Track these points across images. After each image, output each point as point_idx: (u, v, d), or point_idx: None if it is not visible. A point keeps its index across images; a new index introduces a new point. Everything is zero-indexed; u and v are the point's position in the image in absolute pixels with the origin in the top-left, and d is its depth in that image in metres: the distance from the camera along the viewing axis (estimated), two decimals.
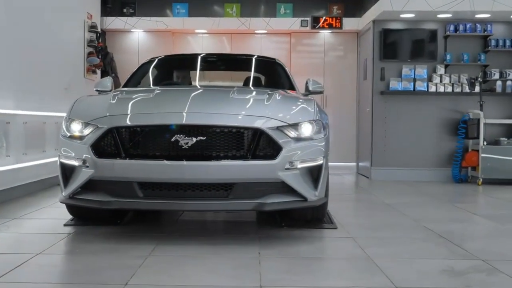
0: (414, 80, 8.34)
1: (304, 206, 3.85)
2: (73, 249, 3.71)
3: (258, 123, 3.69)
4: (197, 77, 5.62)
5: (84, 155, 3.76)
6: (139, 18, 9.67)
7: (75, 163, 3.83)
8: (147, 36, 9.85)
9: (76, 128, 3.89)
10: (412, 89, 8.34)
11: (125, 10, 9.96)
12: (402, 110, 8.42)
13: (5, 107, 5.71)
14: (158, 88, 4.72)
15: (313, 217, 4.42)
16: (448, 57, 8.38)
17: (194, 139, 3.61)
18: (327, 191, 4.16)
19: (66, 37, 7.68)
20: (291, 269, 3.20)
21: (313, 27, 9.57)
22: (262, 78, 5.80)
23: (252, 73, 5.55)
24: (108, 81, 5.04)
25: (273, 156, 3.66)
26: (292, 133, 3.75)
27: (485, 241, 4.09)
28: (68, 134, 3.94)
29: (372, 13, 8.49)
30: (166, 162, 3.62)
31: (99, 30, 8.74)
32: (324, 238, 4.06)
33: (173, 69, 5.97)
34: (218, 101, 4.06)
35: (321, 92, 5.40)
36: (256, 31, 9.80)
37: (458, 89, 8.32)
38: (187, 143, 3.61)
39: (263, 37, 9.93)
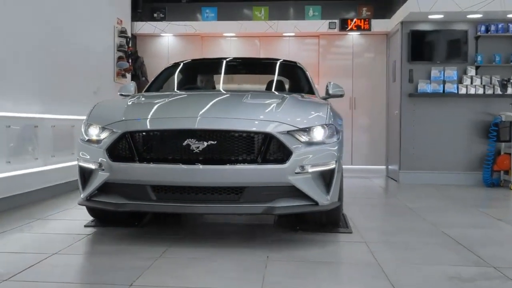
0: (444, 82, 8.21)
1: (316, 210, 3.86)
2: (88, 250, 3.80)
3: (269, 128, 3.72)
4: (218, 82, 5.72)
5: (100, 159, 3.87)
6: (169, 22, 9.83)
7: (92, 166, 3.95)
8: (177, 40, 9.99)
9: (94, 132, 4.01)
10: (441, 91, 8.20)
11: (155, 15, 10.14)
12: (431, 112, 8.30)
13: (32, 112, 5.89)
14: (175, 93, 4.84)
15: (328, 221, 4.39)
16: (479, 58, 8.22)
17: (205, 144, 3.67)
18: (341, 195, 4.16)
19: (96, 43, 7.86)
20: (296, 273, 3.21)
21: (341, 29, 9.53)
22: (282, 81, 5.81)
23: (274, 77, 5.62)
24: (131, 85, 5.18)
25: (283, 160, 3.68)
26: (303, 138, 3.77)
27: (502, 248, 3.99)
28: (86, 138, 4.06)
29: (400, 15, 8.40)
30: (177, 166, 3.68)
31: (129, 35, 8.91)
32: (336, 242, 4.05)
33: (195, 74, 6.04)
34: (230, 106, 4.12)
35: (341, 96, 5.40)
36: (284, 34, 9.81)
37: (489, 91, 8.15)
38: (198, 147, 3.67)
39: (291, 39, 9.94)
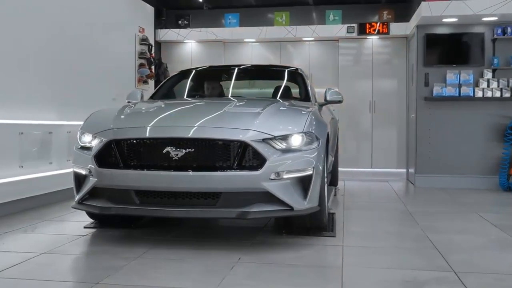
0: (459, 86, 8.16)
1: (292, 215, 3.99)
2: (74, 250, 4.03)
3: (244, 136, 3.88)
4: (219, 89, 6.00)
5: (89, 165, 4.12)
6: (191, 29, 10.12)
7: (83, 172, 4.21)
8: (199, 46, 10.26)
9: (86, 139, 4.30)
10: (457, 94, 8.16)
11: (180, 22, 10.45)
12: (447, 116, 8.26)
13: (47, 119, 6.24)
14: (167, 101, 5.11)
15: (311, 225, 4.51)
16: (496, 61, 8.13)
17: (184, 151, 3.87)
18: (322, 200, 4.28)
19: (116, 50, 8.21)
20: (259, 275, 3.36)
21: (360, 33, 9.58)
22: (282, 87, 5.91)
23: (275, 83, 5.91)
24: (138, 92, 5.54)
25: (258, 167, 3.84)
26: (279, 145, 3.92)
27: (477, 254, 4.02)
28: (80, 145, 4.35)
29: (414, 18, 8.41)
30: (158, 172, 3.90)
31: (150, 42, 9.22)
32: (314, 246, 4.15)
33: (198, 82, 6.24)
34: (210, 114, 4.29)
35: (339, 102, 5.59)
36: (304, 39, 9.93)
37: (507, 94, 8.06)
38: (177, 154, 3.87)
39: (311, 44, 10.06)
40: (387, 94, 9.72)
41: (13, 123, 5.63)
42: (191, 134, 3.93)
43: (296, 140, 4.00)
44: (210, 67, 6.55)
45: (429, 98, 8.26)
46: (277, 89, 5.80)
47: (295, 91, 6.02)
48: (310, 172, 4.00)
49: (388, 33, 9.48)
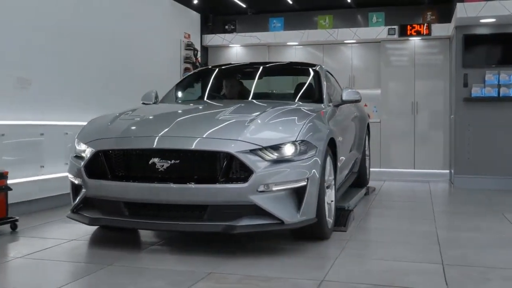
0: (499, 86, 8.10)
1: (282, 229, 3.85)
2: (52, 253, 3.95)
3: (229, 147, 3.73)
4: (233, 88, 5.68)
5: (79, 175, 4.08)
6: (236, 34, 10.49)
7: (76, 181, 4.18)
8: (245, 50, 10.61)
9: (79, 148, 4.21)
10: (496, 95, 8.11)
11: (226, 27, 10.84)
12: (486, 116, 8.21)
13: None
14: (162, 107, 5.13)
15: (312, 236, 4.26)
16: None
17: (169, 162, 3.76)
18: (321, 210, 4.06)
19: (162, 56, 8.69)
20: (253, 261, 3.63)
21: (401, 35, 9.64)
22: (302, 86, 5.64)
23: (288, 81, 5.89)
24: (152, 93, 5.48)
25: (245, 179, 3.68)
26: (268, 156, 3.75)
27: (476, 250, 4.09)
28: (74, 154, 4.29)
29: (453, 20, 8.41)
30: (144, 184, 3.81)
31: (196, 47, 9.66)
32: (320, 239, 4.35)
33: (215, 80, 5.91)
34: (199, 123, 4.19)
35: (356, 101, 5.40)
36: (345, 41, 10.09)
37: None
38: (162, 165, 3.76)
39: (354, 46, 10.20)
40: (430, 95, 9.72)
41: (62, 124, 6.14)
42: (174, 145, 3.84)
43: (289, 150, 3.82)
44: (225, 65, 6.34)
45: (467, 99, 8.25)
46: (297, 87, 5.60)
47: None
48: (303, 183, 3.82)
49: (429, 34, 9.49)
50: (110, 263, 3.60)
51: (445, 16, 9.67)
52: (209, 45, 10.64)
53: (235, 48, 10.66)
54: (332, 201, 4.51)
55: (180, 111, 4.79)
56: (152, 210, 3.88)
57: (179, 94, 5.75)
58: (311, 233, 4.21)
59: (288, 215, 3.77)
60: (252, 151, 3.73)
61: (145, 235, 4.51)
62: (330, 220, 4.38)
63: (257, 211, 3.72)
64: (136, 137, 4.04)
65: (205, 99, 5.59)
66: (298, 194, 3.84)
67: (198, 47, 9.93)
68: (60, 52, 6.35)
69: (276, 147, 3.80)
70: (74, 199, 4.22)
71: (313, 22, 10.50)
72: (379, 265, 3.62)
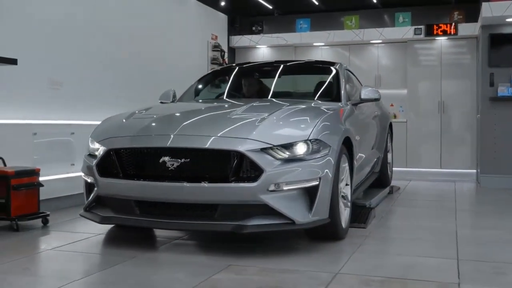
0: None
1: (293, 229, 3.80)
2: (93, 244, 4.20)
3: (240, 146, 3.69)
4: (252, 87, 5.65)
5: (92, 173, 4.10)
6: (262, 35, 10.64)
7: (89, 180, 4.21)
8: (272, 51, 10.74)
9: (92, 147, 4.23)
10: None
11: (254, 28, 10.99)
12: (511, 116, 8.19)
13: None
14: (177, 105, 5.15)
15: (326, 237, 4.20)
16: None
17: (179, 161, 3.73)
18: (334, 211, 3.99)
19: (189, 57, 8.89)
20: (267, 253, 3.76)
21: (427, 35, 9.65)
22: (315, 84, 5.63)
23: (307, 80, 5.82)
24: (170, 92, 5.49)
25: (255, 178, 3.64)
26: (279, 155, 3.72)
27: (492, 247, 4.13)
28: (88, 153, 4.30)
29: (479, 19, 8.40)
30: (155, 182, 3.81)
31: (223, 49, 9.83)
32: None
33: (234, 79, 5.84)
34: (210, 122, 4.20)
35: (376, 100, 5.29)
36: (371, 41, 10.13)
37: None
38: (173, 164, 3.73)
39: (380, 46, 10.23)
40: (457, 94, 9.69)
41: (91, 124, 6.33)
42: (184, 144, 3.82)
43: (301, 149, 3.78)
44: (244, 64, 6.29)
45: (493, 98, 8.22)
46: (316, 86, 5.54)
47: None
48: (315, 183, 3.78)
49: (456, 34, 9.47)
50: (134, 255, 3.76)
51: (472, 15, 9.62)
52: (236, 46, 10.80)
53: (262, 49, 10.80)
54: (348, 201, 4.45)
55: (193, 110, 4.75)
56: (163, 209, 3.86)
57: (197, 92, 5.75)
58: (325, 234, 4.15)
59: (299, 215, 3.72)
60: (263, 150, 3.69)
61: (167, 230, 4.64)
62: (344, 221, 4.29)
63: (268, 210, 3.67)
64: (147, 136, 4.02)
65: (223, 97, 5.55)
66: (310, 194, 3.79)
67: (225, 48, 10.11)
68: (90, 54, 6.59)
69: (288, 146, 3.76)
70: (87, 197, 4.23)
71: (339, 23, 10.57)
72: (394, 260, 3.71)
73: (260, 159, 3.65)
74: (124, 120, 4.39)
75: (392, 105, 10.15)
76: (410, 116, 9.92)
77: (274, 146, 3.72)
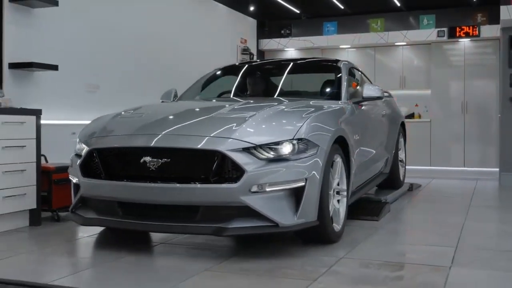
0: None
1: (277, 232, 3.66)
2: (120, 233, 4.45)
3: (220, 146, 3.56)
4: (253, 86, 5.56)
5: (76, 174, 4.03)
6: (290, 38, 11.03)
7: (74, 180, 4.13)
8: (300, 54, 11.12)
9: (79, 147, 4.13)
10: None
11: (282, 32, 11.39)
12: None
13: None
14: (168, 104, 5.11)
15: (317, 240, 4.04)
16: None
17: (160, 161, 3.62)
18: (324, 213, 3.82)
19: (218, 60, 9.30)
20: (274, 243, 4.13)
21: (450, 36, 9.88)
22: (320, 82, 5.54)
23: (310, 78, 5.81)
24: (171, 91, 5.44)
25: (237, 179, 3.51)
26: (264, 154, 3.58)
27: (494, 239, 4.42)
28: (75, 153, 4.20)
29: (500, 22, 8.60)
30: (135, 183, 3.69)
31: (251, 52, 10.27)
32: (349, 226, 4.68)
33: (236, 78, 5.76)
34: (194, 121, 4.06)
35: (378, 98, 5.16)
36: (396, 43, 10.40)
37: None
38: (154, 164, 3.62)
39: (404, 48, 10.50)
40: (480, 95, 9.90)
41: None
42: (163, 143, 3.70)
43: (286, 149, 3.63)
44: (248, 62, 6.17)
45: None
46: (318, 84, 5.44)
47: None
48: (301, 184, 3.62)
49: (478, 35, 9.68)
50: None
51: (496, 17, 9.78)
52: (265, 49, 11.21)
53: (290, 52, 11.17)
54: (343, 203, 4.29)
55: (182, 109, 4.64)
56: (145, 210, 3.76)
57: (199, 91, 5.66)
58: (315, 237, 4.00)
59: (284, 217, 3.57)
60: (245, 150, 3.56)
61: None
62: (339, 223, 4.16)
63: (250, 212, 3.53)
64: (128, 135, 3.92)
65: (224, 96, 5.52)
66: (296, 196, 3.64)
67: (254, 51, 10.52)
68: (124, 59, 7.12)
69: (272, 146, 3.61)
70: (74, 198, 4.15)
71: (365, 25, 10.86)
72: (396, 247, 4.05)
73: (242, 159, 3.52)
74: (110, 120, 4.29)
75: (417, 105, 10.41)
76: (434, 116, 10.16)
77: (257, 145, 3.58)
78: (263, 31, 11.17)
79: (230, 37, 9.85)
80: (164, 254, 3.93)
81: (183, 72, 8.24)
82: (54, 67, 5.78)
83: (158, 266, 3.63)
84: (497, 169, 9.68)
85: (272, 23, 11.37)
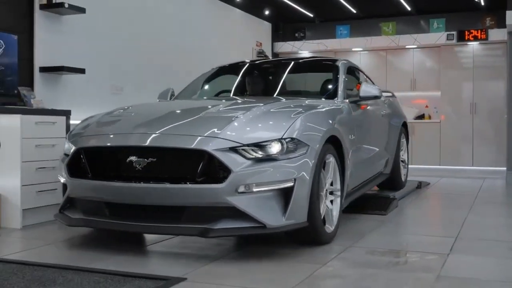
0: None
1: (264, 233, 3.54)
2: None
3: (206, 145, 3.50)
4: (251, 86, 5.53)
5: (63, 174, 3.97)
6: (304, 41, 11.38)
7: (62, 180, 4.07)
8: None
9: (67, 146, 4.07)
10: None
11: (296, 35, 11.75)
12: None
13: None
14: (160, 103, 5.12)
15: (308, 241, 3.95)
16: None
17: (146, 161, 3.56)
18: (314, 214, 3.74)
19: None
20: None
21: (459, 40, 10.18)
22: (319, 81, 5.52)
23: (308, 77, 5.80)
24: (168, 91, 5.40)
25: (223, 179, 3.44)
26: (250, 154, 3.51)
27: (493, 230, 4.69)
28: (64, 152, 4.15)
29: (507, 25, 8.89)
30: (121, 183, 3.62)
31: (266, 54, 10.63)
32: (358, 220, 5.04)
33: (236, 78, 5.69)
34: (181, 120, 3.97)
35: (376, 97, 5.08)
36: (406, 46, 10.72)
37: None
38: (140, 164, 3.56)
39: (415, 51, 10.81)
40: (488, 96, 10.20)
41: None
42: (149, 142, 3.63)
43: (274, 148, 3.56)
44: (243, 62, 5.97)
45: None
46: (316, 83, 5.43)
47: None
48: (290, 184, 3.55)
49: (486, 39, 9.97)
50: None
51: (504, 21, 10.06)
52: (280, 52, 11.57)
53: (304, 55, 11.52)
54: (336, 203, 4.23)
55: (172, 108, 4.48)
56: (132, 210, 3.68)
57: (196, 91, 5.62)
58: (305, 238, 3.91)
59: (271, 218, 3.50)
60: (232, 149, 3.49)
61: None
62: (332, 224, 4.11)
63: (237, 213, 3.47)
64: (114, 135, 3.88)
65: (222, 95, 5.50)
66: (284, 196, 3.57)
67: (269, 54, 10.89)
68: (145, 63, 7.53)
69: (260, 145, 3.54)
70: (62, 198, 4.10)
71: (377, 29, 11.18)
72: (400, 237, 4.39)
73: (228, 159, 3.46)
74: (98, 119, 4.25)
75: (427, 106, 10.72)
76: (443, 117, 10.46)
77: (244, 145, 3.52)
78: (278, 34, 11.54)
79: (246, 40, 10.23)
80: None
81: (200, 73, 8.61)
82: (82, 71, 6.19)
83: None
84: (505, 169, 9.97)
85: (286, 26, 11.73)
